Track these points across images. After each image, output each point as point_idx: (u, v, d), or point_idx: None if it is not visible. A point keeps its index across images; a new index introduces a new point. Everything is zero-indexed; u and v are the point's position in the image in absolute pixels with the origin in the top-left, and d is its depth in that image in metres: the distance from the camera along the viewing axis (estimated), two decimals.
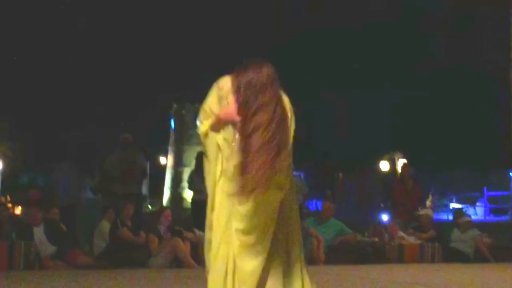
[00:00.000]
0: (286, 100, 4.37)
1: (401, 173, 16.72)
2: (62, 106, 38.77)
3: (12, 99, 36.92)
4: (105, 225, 12.27)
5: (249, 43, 31.58)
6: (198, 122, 4.47)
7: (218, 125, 4.34)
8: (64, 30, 36.94)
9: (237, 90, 4.27)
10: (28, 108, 37.88)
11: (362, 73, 36.18)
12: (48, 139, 37.99)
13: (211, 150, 4.43)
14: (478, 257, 13.60)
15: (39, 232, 11.25)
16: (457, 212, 15.81)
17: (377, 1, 33.21)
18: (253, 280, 4.28)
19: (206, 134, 4.41)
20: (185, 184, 22.46)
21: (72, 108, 39.00)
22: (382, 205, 17.50)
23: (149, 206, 28.01)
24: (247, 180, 4.05)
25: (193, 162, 15.73)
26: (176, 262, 11.44)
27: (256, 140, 4.09)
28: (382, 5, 32.68)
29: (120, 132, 14.61)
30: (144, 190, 14.27)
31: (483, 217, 32.20)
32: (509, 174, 34.17)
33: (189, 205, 17.51)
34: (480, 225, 15.90)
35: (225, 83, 4.39)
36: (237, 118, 4.20)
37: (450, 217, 28.23)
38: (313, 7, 34.02)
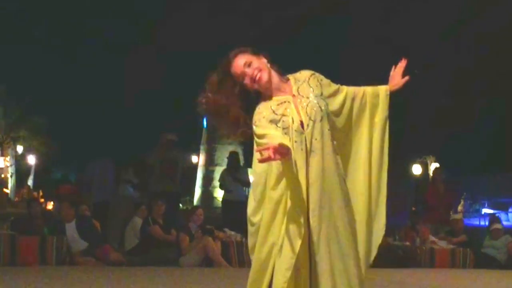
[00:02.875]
0: None
1: (433, 177, 16.61)
2: (99, 103, 39.11)
3: (51, 95, 37.29)
4: (138, 222, 12.32)
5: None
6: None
7: None
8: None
9: None
10: (65, 104, 38.24)
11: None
12: (84, 135, 38.35)
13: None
14: (510, 263, 13.46)
15: (71, 228, 11.31)
16: (491, 219, 15.68)
17: None
18: None
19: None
20: (216, 183, 22.52)
21: (108, 104, 39.34)
22: (414, 208, 17.37)
23: (180, 205, 28.12)
24: None
25: (225, 161, 15.75)
26: (207, 261, 11.44)
27: None
28: None
29: (156, 130, 14.66)
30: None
31: None
32: None
33: (219, 204, 17.55)
34: None
35: None
36: None
37: (482, 223, 28.05)
38: None
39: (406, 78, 4.44)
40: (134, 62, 38.19)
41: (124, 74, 38.62)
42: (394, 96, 4.45)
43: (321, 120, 4.09)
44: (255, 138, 4.11)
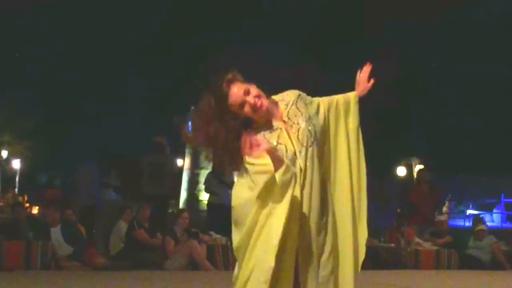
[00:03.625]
0: None
1: (417, 178, 16.68)
2: (84, 105, 39.01)
3: (36, 99, 37.14)
4: (123, 225, 12.31)
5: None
6: None
7: None
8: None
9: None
10: (51, 108, 38.11)
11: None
12: (69, 139, 38.23)
13: None
14: (494, 264, 13.54)
15: (56, 233, 11.29)
16: (475, 220, 15.76)
17: None
18: None
19: None
20: (201, 186, 22.50)
21: (93, 108, 39.24)
22: (398, 210, 17.42)
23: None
24: None
25: (210, 164, 15.78)
26: (192, 265, 11.45)
27: None
28: None
29: (143, 133, 14.63)
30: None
31: (500, 224, 32.06)
32: None
33: (205, 207, 17.54)
34: (497, 232, 15.84)
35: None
36: None
37: (467, 224, 28.18)
38: None
39: (371, 82, 4.46)
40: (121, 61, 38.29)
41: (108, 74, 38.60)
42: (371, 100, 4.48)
43: (311, 145, 4.10)
44: (249, 166, 4.05)
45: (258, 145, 3.88)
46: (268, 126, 4.15)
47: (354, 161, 4.41)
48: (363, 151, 4.46)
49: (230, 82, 4.13)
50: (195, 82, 4.23)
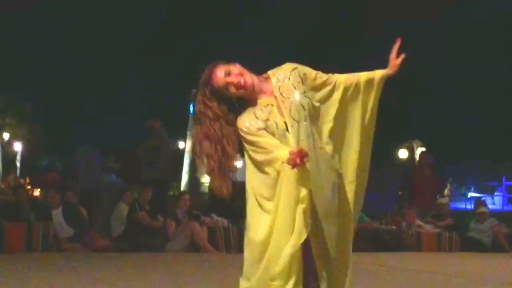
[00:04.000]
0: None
1: (419, 161, 16.66)
2: (85, 90, 39.03)
3: (36, 83, 37.14)
4: (123, 208, 12.31)
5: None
6: None
7: None
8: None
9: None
10: (51, 91, 38.10)
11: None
12: (70, 122, 38.27)
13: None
14: (495, 247, 13.55)
15: (57, 215, 11.30)
16: (477, 202, 15.76)
17: None
18: None
19: None
20: (203, 169, 22.49)
21: (95, 92, 39.27)
22: (400, 193, 17.42)
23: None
24: None
25: None
26: (193, 247, 11.45)
27: None
28: None
29: (143, 117, 14.61)
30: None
31: (501, 207, 32.05)
32: None
33: (206, 190, 17.54)
34: (498, 215, 15.82)
35: None
36: None
37: (469, 206, 28.19)
38: None
39: (401, 57, 4.31)
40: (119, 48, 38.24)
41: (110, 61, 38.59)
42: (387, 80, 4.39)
43: (305, 120, 4.04)
44: (246, 145, 4.07)
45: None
46: (259, 102, 4.11)
47: (364, 140, 4.36)
48: (373, 132, 4.40)
49: (214, 67, 4.12)
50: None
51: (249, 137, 4.04)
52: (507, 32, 36.97)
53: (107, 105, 39.82)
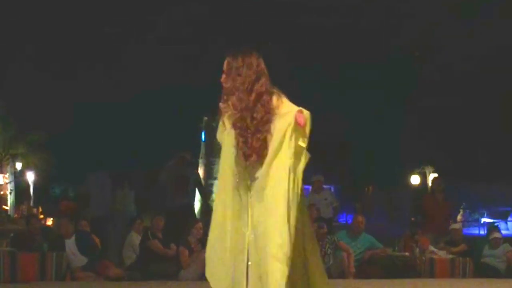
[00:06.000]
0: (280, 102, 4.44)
1: (432, 186, 16.60)
2: (94, 115, 39.16)
3: (45, 111, 37.24)
4: (134, 236, 12.33)
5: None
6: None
7: None
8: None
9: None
10: (60, 119, 38.22)
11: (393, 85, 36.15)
12: (81, 150, 38.35)
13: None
14: (509, 272, 13.45)
15: (70, 244, 11.32)
16: (490, 228, 15.69)
17: None
18: None
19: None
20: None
21: (104, 117, 39.39)
22: (412, 219, 17.38)
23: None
24: None
25: None
26: None
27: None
28: None
29: (155, 143, 14.78)
30: None
31: None
32: None
33: None
34: None
35: None
36: None
37: (482, 232, 28.07)
38: None
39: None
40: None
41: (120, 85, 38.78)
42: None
43: None
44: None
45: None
46: None
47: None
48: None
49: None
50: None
51: None
52: None
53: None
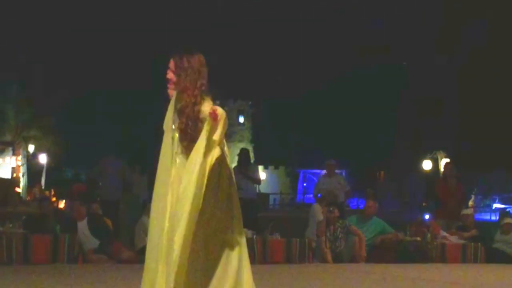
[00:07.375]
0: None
1: (444, 172, 16.57)
2: (108, 100, 39.27)
3: (60, 95, 37.36)
4: (146, 220, 12.35)
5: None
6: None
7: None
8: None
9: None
10: (74, 103, 38.35)
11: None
12: (94, 134, 38.49)
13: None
14: None
15: (83, 226, 11.37)
16: (502, 213, 15.66)
17: None
18: None
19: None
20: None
21: (117, 104, 39.49)
22: (424, 204, 17.38)
23: None
24: None
25: (235, 159, 15.81)
26: None
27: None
28: None
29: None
30: None
31: None
32: None
33: None
34: None
35: None
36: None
37: (493, 218, 28.03)
38: None
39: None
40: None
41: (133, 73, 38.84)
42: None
43: None
44: None
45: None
46: None
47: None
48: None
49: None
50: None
51: None
52: None
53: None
